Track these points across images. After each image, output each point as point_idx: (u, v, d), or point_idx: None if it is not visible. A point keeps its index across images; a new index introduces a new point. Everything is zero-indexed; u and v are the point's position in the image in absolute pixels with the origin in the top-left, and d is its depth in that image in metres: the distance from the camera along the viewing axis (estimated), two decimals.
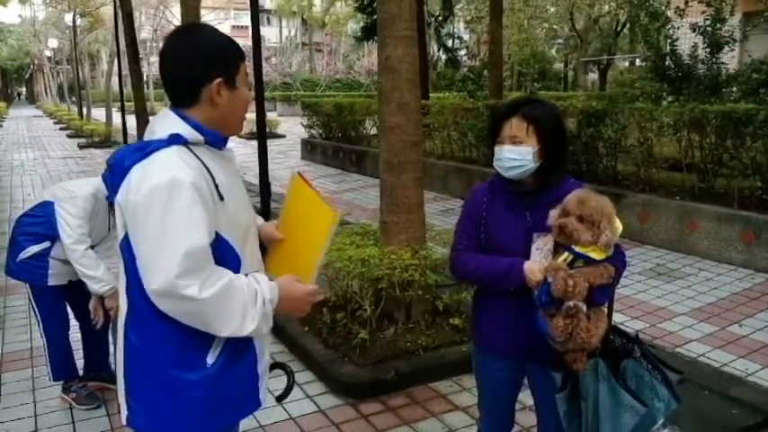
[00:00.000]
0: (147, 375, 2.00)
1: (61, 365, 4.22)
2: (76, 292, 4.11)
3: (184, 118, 1.96)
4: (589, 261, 2.25)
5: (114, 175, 1.94)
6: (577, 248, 2.24)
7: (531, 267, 2.33)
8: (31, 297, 4.10)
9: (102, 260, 3.99)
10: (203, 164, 1.93)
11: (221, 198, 1.93)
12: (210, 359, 1.98)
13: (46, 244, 3.96)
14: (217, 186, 1.93)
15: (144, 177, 1.85)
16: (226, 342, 1.99)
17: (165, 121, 1.97)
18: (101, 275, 3.87)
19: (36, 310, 4.12)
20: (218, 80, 1.95)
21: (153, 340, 1.96)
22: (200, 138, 1.96)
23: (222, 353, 1.99)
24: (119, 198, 1.92)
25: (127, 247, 1.94)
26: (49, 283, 4.02)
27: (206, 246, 1.85)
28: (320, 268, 2.20)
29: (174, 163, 1.86)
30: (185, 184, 1.83)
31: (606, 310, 2.41)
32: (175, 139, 1.91)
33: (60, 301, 4.17)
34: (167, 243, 1.80)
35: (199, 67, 1.95)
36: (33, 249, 3.96)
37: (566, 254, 2.26)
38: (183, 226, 1.81)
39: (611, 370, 2.32)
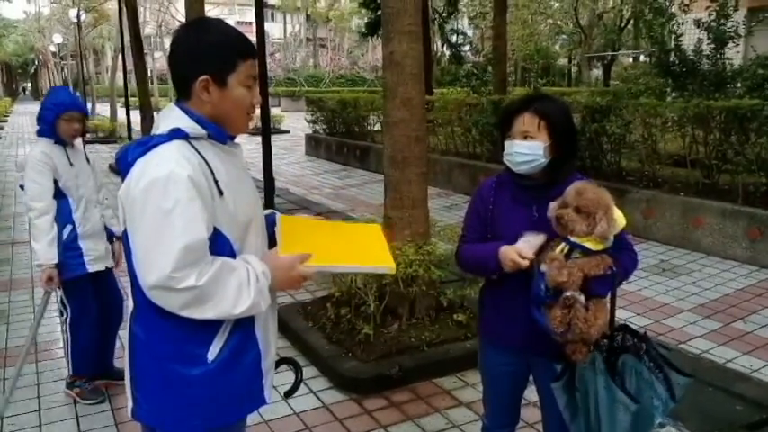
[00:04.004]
0: (149, 369, 2.00)
1: (84, 360, 4.23)
2: (95, 285, 4.20)
3: (187, 112, 1.96)
4: (586, 252, 2.27)
5: (120, 170, 1.96)
6: (573, 239, 2.27)
7: (505, 249, 2.36)
8: (63, 293, 4.10)
9: (104, 210, 4.23)
10: (204, 159, 1.91)
11: (221, 193, 1.91)
12: (211, 355, 1.96)
13: (68, 228, 3.99)
14: (216, 182, 1.91)
15: (143, 172, 1.85)
16: (228, 338, 1.98)
17: (170, 117, 1.97)
18: (37, 248, 3.86)
19: (66, 305, 4.12)
20: (203, 77, 1.93)
21: (155, 334, 1.97)
22: (202, 131, 1.95)
23: (224, 348, 1.98)
24: (120, 193, 1.92)
25: (127, 242, 1.94)
26: (89, 270, 4.08)
27: (205, 239, 1.85)
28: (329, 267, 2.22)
29: (173, 157, 1.85)
30: (183, 177, 1.82)
31: (609, 304, 2.40)
32: (176, 134, 1.90)
33: (87, 295, 4.19)
34: (165, 237, 1.79)
35: (186, 64, 1.96)
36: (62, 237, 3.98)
37: (562, 244, 2.29)
38: (181, 220, 1.80)
39: (610, 365, 2.31)
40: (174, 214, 1.80)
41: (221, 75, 1.94)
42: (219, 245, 1.92)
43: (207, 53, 1.93)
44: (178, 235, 1.79)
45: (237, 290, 1.88)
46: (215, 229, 1.90)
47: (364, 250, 2.21)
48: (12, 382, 3.98)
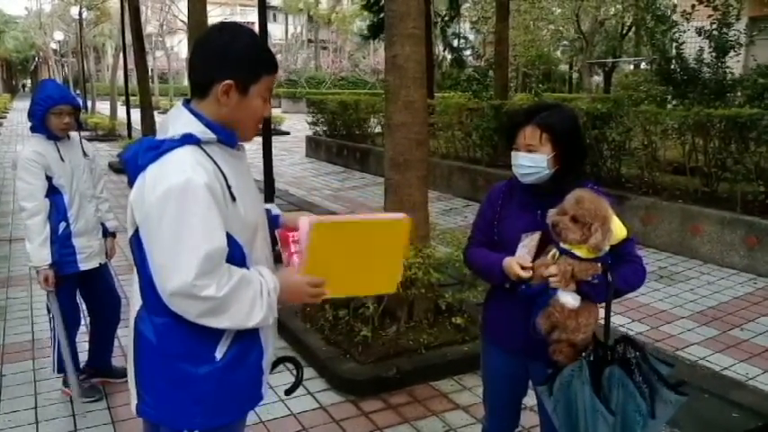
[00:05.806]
0: (156, 368, 2.01)
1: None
2: (89, 283, 4.19)
3: (197, 115, 1.96)
4: (575, 259, 2.29)
5: (128, 172, 1.95)
6: (564, 246, 2.29)
7: (508, 262, 2.40)
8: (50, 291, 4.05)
9: (101, 204, 4.23)
10: (217, 165, 1.92)
11: (233, 199, 1.93)
12: (219, 353, 1.98)
13: (62, 225, 3.96)
14: (230, 188, 1.93)
15: (159, 178, 1.84)
16: (234, 337, 2.00)
17: (179, 119, 1.96)
18: (30, 249, 3.84)
19: (54, 303, 4.05)
20: (228, 82, 1.93)
21: (162, 334, 1.97)
22: (212, 136, 1.95)
23: (231, 347, 2.00)
24: (131, 197, 1.92)
25: (137, 244, 1.94)
26: (81, 269, 4.05)
27: (224, 248, 1.86)
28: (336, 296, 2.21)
29: (189, 164, 1.85)
30: (200, 186, 1.82)
31: (603, 312, 2.41)
32: (188, 139, 1.90)
33: (74, 295, 4.19)
34: (185, 245, 1.80)
35: (212, 65, 1.95)
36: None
37: (554, 250, 2.33)
38: (201, 228, 1.81)
39: (596, 375, 2.30)
40: (194, 222, 1.81)
41: (245, 83, 1.95)
42: (231, 249, 1.92)
43: (236, 59, 1.94)
44: (199, 243, 1.80)
45: (251, 304, 1.91)
46: (228, 235, 1.90)
47: (378, 272, 2.18)
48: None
